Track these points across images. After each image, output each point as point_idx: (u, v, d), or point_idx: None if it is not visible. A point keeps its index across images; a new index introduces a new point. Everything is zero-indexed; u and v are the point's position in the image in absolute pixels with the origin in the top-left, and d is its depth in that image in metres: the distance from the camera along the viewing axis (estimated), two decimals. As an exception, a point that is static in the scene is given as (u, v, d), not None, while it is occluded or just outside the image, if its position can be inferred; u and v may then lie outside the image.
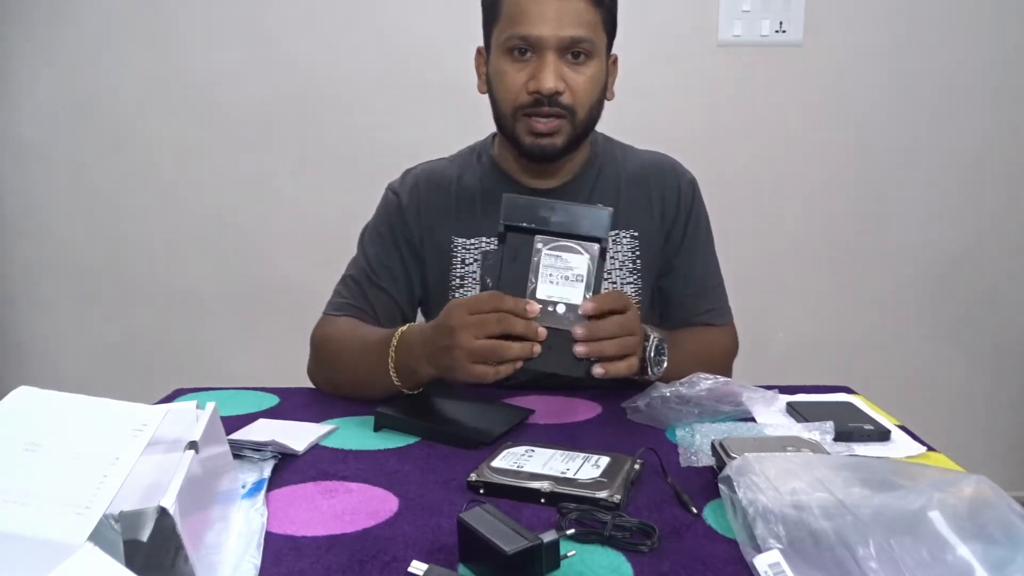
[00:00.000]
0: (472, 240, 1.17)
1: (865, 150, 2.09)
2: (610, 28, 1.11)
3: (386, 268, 1.19)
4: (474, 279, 1.17)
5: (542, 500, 0.73)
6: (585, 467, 0.77)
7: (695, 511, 0.72)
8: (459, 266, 1.18)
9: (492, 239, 1.16)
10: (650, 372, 1.00)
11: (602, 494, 0.71)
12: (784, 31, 2.01)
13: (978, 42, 2.04)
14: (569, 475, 0.75)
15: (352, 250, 1.23)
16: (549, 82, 1.04)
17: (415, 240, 1.19)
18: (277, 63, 2.03)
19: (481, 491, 0.76)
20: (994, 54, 2.04)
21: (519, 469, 0.77)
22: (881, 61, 2.04)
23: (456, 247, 1.18)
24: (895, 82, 2.05)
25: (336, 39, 2.03)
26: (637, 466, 0.78)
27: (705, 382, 0.96)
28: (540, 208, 0.90)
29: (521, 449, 0.83)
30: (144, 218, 2.11)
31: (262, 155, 2.08)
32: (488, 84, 1.14)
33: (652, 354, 0.99)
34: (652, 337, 1.00)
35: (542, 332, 0.87)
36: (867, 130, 2.08)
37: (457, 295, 1.17)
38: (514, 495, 0.74)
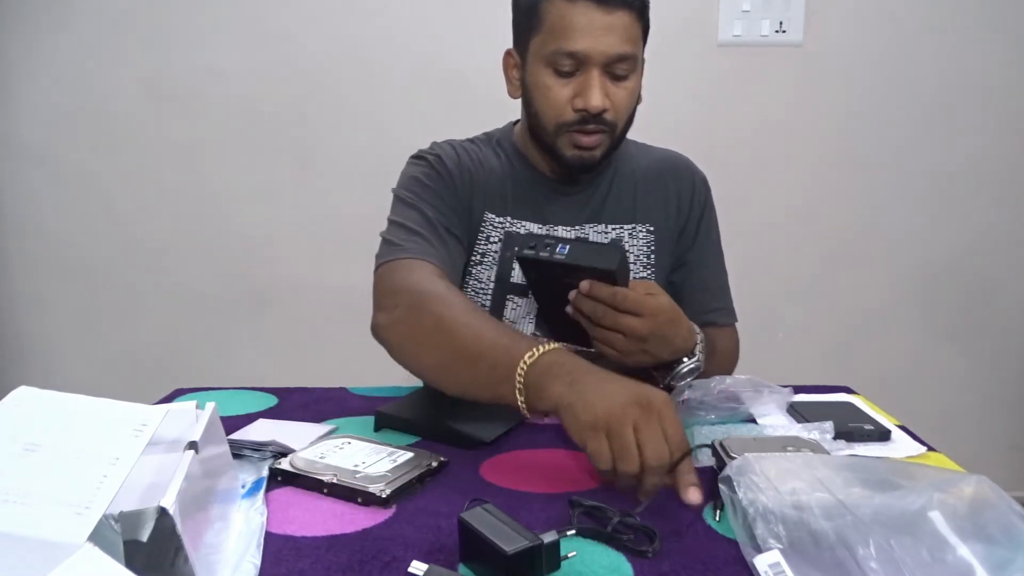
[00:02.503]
0: (500, 219, 1.17)
1: (865, 150, 2.09)
2: (646, 37, 1.10)
3: (448, 218, 1.11)
4: (494, 258, 1.16)
5: (324, 491, 0.76)
6: (383, 461, 0.80)
7: (717, 517, 0.71)
8: (483, 243, 1.17)
9: (517, 221, 1.17)
10: (662, 384, 0.98)
11: (373, 488, 0.73)
12: (784, 31, 2.01)
13: (978, 42, 2.03)
14: (359, 468, 0.78)
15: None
16: (597, 100, 1.04)
17: (462, 199, 1.15)
18: (277, 63, 2.03)
19: (279, 479, 0.79)
20: (994, 54, 2.04)
21: (318, 460, 0.80)
22: (881, 61, 2.04)
23: (486, 223, 1.17)
24: (895, 82, 2.05)
25: (337, 39, 2.03)
26: (435, 463, 0.81)
27: (720, 383, 0.97)
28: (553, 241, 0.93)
29: (339, 441, 0.86)
30: (144, 218, 2.11)
31: (262, 155, 2.08)
32: (524, 92, 1.12)
33: (677, 375, 0.97)
34: (688, 362, 0.97)
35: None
36: (867, 130, 2.08)
37: (474, 272, 1.17)
38: (304, 484, 0.77)
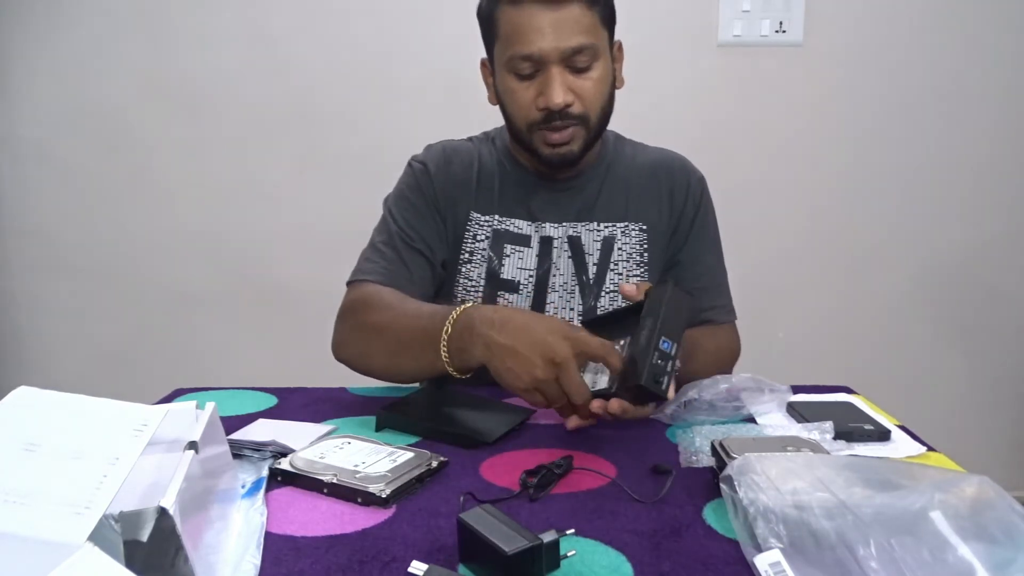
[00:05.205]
0: (486, 217, 1.19)
1: (865, 150, 2.09)
2: (609, 21, 1.11)
3: (419, 233, 1.17)
4: (482, 256, 1.18)
5: (324, 491, 0.76)
6: (383, 461, 0.80)
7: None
8: (470, 241, 1.19)
9: (504, 219, 1.19)
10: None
11: (373, 488, 0.73)
12: (784, 31, 2.01)
13: (978, 42, 2.03)
14: (359, 468, 0.78)
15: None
16: (557, 97, 1.05)
17: (441, 207, 1.20)
18: (277, 63, 2.03)
19: (279, 479, 0.79)
20: (994, 54, 2.04)
21: (318, 460, 0.80)
22: (881, 61, 2.04)
23: (471, 222, 1.19)
24: (895, 82, 2.05)
25: (336, 39, 2.03)
26: (435, 463, 0.80)
27: (725, 383, 0.96)
28: None
29: (339, 441, 0.85)
30: (143, 218, 2.11)
31: (262, 155, 2.08)
32: (498, 98, 1.15)
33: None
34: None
35: (595, 405, 0.85)
36: (867, 130, 2.08)
37: (463, 270, 1.19)
38: (304, 484, 0.77)
